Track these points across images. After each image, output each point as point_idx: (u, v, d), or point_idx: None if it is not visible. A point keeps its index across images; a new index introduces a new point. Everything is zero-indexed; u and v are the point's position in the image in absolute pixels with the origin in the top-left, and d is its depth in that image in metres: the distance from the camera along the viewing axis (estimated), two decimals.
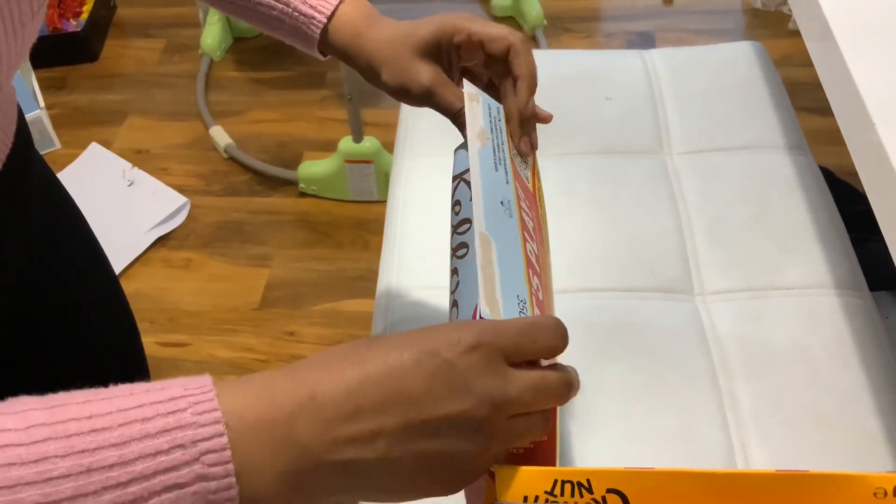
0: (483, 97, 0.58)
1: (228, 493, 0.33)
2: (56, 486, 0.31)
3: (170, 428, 0.33)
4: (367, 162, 1.60)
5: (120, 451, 0.32)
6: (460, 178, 0.56)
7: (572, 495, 0.38)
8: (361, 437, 0.36)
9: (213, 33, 1.95)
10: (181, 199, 1.70)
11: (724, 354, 0.79)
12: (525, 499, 0.38)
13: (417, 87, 0.57)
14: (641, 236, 0.89)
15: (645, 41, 1.96)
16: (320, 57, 0.62)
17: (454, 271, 0.50)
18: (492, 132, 0.55)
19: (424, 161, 1.00)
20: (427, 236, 0.91)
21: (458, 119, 0.57)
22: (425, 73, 0.57)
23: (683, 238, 0.89)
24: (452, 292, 0.50)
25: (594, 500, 0.38)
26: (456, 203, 0.54)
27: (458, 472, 0.37)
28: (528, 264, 0.49)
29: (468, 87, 0.58)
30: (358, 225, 1.65)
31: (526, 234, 0.50)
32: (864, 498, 0.37)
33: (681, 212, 0.92)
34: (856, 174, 0.67)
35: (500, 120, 0.57)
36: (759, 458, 0.72)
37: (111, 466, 0.32)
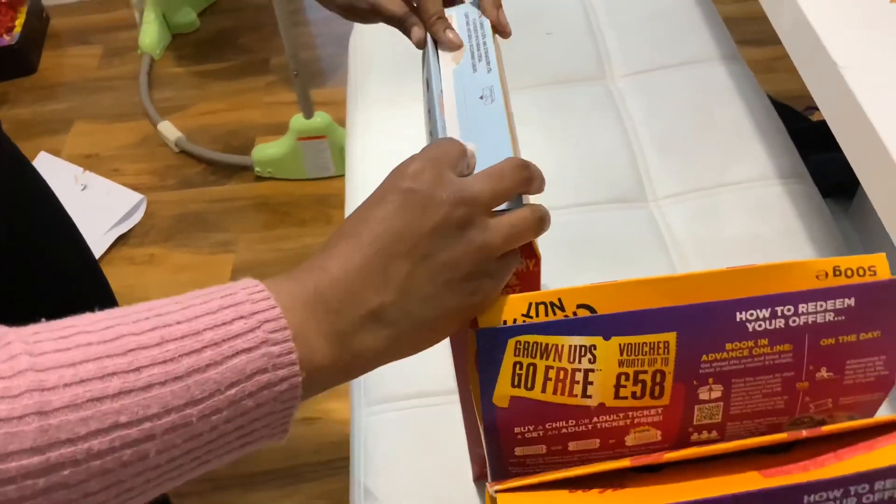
0: (457, 11, 0.60)
1: (290, 357, 0.36)
2: (136, 356, 0.33)
3: (227, 305, 0.36)
4: (321, 137, 1.61)
5: (188, 326, 0.35)
6: (426, 83, 0.58)
7: (546, 314, 0.41)
8: (376, 282, 0.40)
9: (150, 32, 1.95)
10: (137, 197, 1.70)
11: (683, 252, 0.83)
12: (504, 322, 0.40)
13: (363, 3, 0.60)
14: (594, 155, 0.93)
15: None
16: None
17: (430, 134, 0.53)
18: (469, 38, 0.57)
19: (378, 109, 1.02)
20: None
21: (403, 25, 0.60)
22: None
23: (633, 152, 0.93)
24: None
25: (566, 315, 0.41)
26: (429, 110, 0.57)
27: (471, 273, 0.40)
28: (513, 139, 0.51)
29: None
30: (318, 201, 1.66)
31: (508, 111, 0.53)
32: (807, 280, 0.40)
33: (628, 130, 0.95)
34: (793, 98, 0.71)
35: (479, 19, 0.58)
36: None
37: (182, 338, 0.34)
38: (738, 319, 0.40)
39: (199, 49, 2.02)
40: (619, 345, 0.40)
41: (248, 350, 0.35)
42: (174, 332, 0.34)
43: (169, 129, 1.79)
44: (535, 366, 0.40)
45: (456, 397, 0.75)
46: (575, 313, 0.41)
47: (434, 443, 0.71)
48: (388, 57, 1.08)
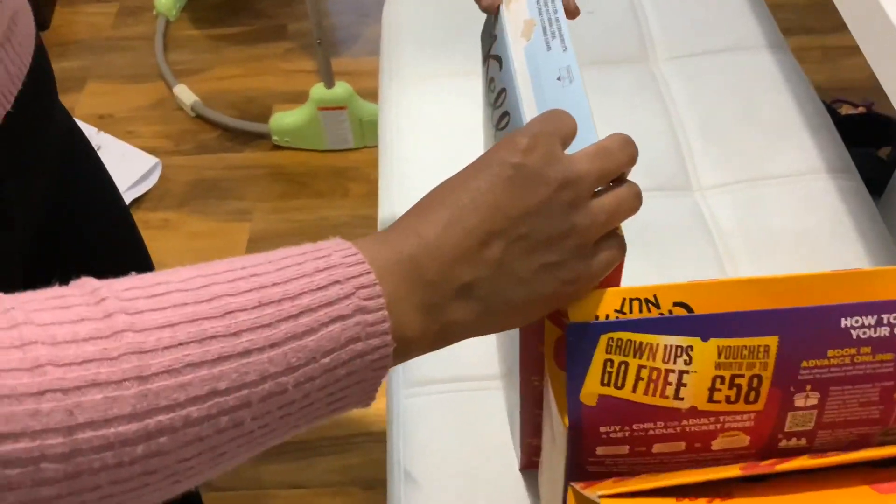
0: None
1: (383, 326, 0.35)
2: (234, 319, 0.32)
3: (322, 268, 0.35)
4: (341, 108, 1.59)
5: (284, 288, 0.34)
6: (489, 58, 0.56)
7: (640, 311, 0.39)
8: (470, 257, 0.38)
9: None
10: (152, 160, 1.67)
11: (728, 242, 0.81)
12: (596, 317, 0.39)
13: None
14: (636, 140, 0.90)
15: None
16: None
17: None
18: (541, 12, 0.54)
19: (414, 86, 1.00)
20: (428, 158, 0.91)
21: None
22: None
23: (677, 138, 0.91)
24: None
25: (661, 313, 0.39)
26: (490, 80, 0.55)
27: (569, 260, 0.39)
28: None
29: None
30: (336, 173, 1.64)
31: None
32: None
33: (671, 114, 0.93)
34: (819, 91, 0.69)
35: None
36: None
37: (280, 301, 0.33)
38: (842, 325, 0.38)
39: (216, 12, 1.98)
40: (718, 347, 0.38)
41: (344, 318, 0.34)
42: (271, 294, 0.33)
43: (185, 93, 1.76)
44: (626, 364, 0.39)
45: (496, 382, 0.74)
46: (671, 311, 0.39)
47: (475, 428, 0.70)
48: (421, 29, 1.06)
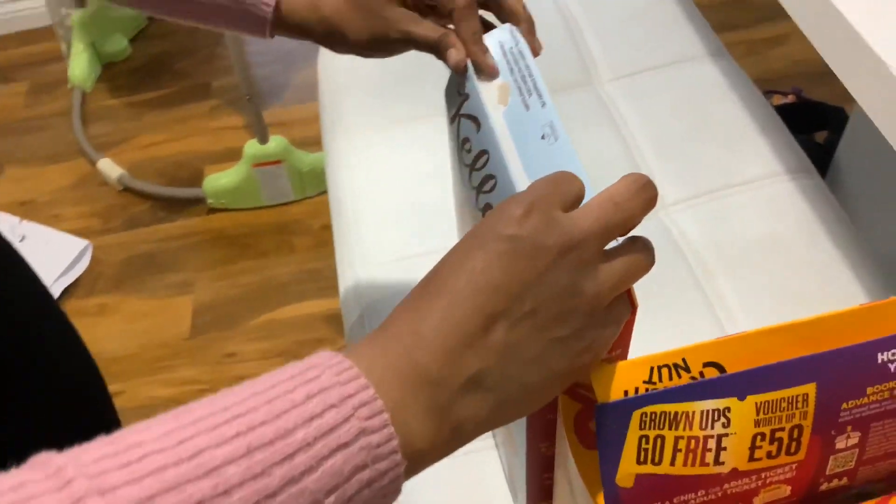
0: (490, 39, 0.54)
1: (391, 445, 0.32)
2: (221, 476, 0.28)
3: (314, 393, 0.31)
4: (277, 162, 1.54)
5: (274, 426, 0.30)
6: (459, 116, 0.52)
7: (670, 378, 0.36)
8: (474, 345, 0.35)
9: (79, 63, 1.83)
10: (81, 243, 1.59)
11: (701, 258, 0.79)
12: (626, 393, 0.35)
13: (392, 33, 0.54)
14: (594, 164, 0.87)
15: None
16: (268, 38, 0.58)
17: (486, 207, 0.48)
18: (511, 72, 0.51)
19: (360, 137, 0.96)
20: (385, 210, 0.87)
21: (439, 49, 0.53)
22: (395, 16, 0.54)
23: (634, 159, 0.89)
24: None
25: (692, 377, 0.36)
26: (464, 141, 0.51)
27: (581, 329, 0.36)
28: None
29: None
30: (279, 229, 1.58)
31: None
32: None
33: (624, 135, 0.91)
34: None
35: (516, 46, 0.52)
36: None
37: (272, 442, 0.30)
38: (879, 361, 0.36)
39: (133, 78, 1.91)
40: (756, 404, 0.35)
41: (345, 445, 0.31)
42: (261, 436, 0.30)
43: (109, 167, 1.69)
44: (662, 438, 0.35)
45: (490, 441, 0.70)
46: (702, 373, 0.36)
47: (474, 495, 0.66)
48: (360, 76, 1.02)
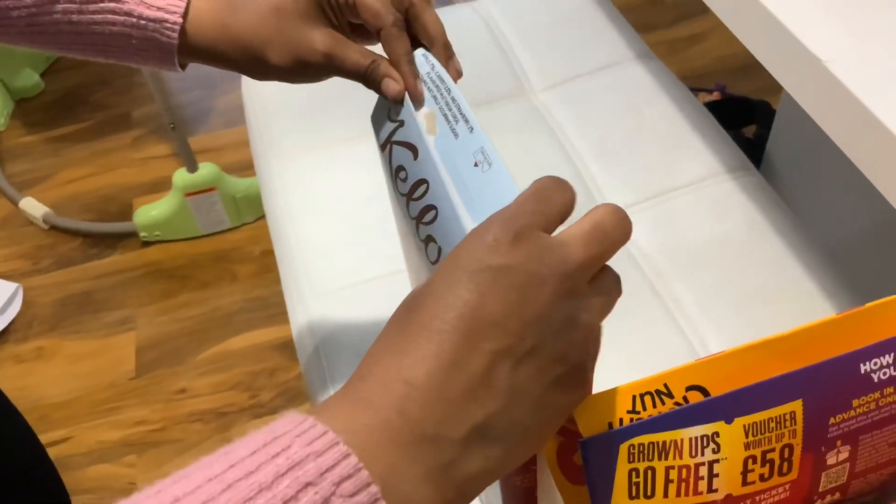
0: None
1: None
2: None
3: (284, 471, 0.27)
4: (210, 190, 1.49)
5: None
6: (391, 143, 0.51)
7: (654, 405, 0.35)
8: (476, 390, 0.31)
9: None
10: (11, 287, 1.52)
11: (653, 263, 0.80)
12: (610, 425, 0.35)
13: (315, 57, 0.50)
14: (536, 174, 0.88)
15: (441, 2, 1.96)
16: (179, 71, 0.53)
17: (429, 239, 0.46)
18: (436, 99, 0.49)
19: (294, 161, 0.93)
20: (329, 235, 0.85)
21: (369, 79, 0.50)
22: (318, 39, 0.50)
23: (575, 166, 0.89)
24: (435, 262, 0.46)
25: (676, 403, 0.35)
26: (398, 170, 0.50)
27: (580, 364, 0.33)
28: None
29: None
30: (218, 258, 1.54)
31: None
32: None
33: (563, 143, 0.91)
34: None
35: (433, 71, 0.50)
36: (719, 348, 0.72)
37: None
38: (862, 371, 0.36)
39: (49, 112, 1.83)
40: (744, 426, 0.35)
41: None
42: None
43: (32, 205, 1.61)
44: (653, 469, 0.35)
45: None
46: (685, 398, 0.35)
47: None
48: (286, 99, 1.00)
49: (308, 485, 0.27)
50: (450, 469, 0.31)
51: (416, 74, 0.49)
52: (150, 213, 1.54)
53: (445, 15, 1.09)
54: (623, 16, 1.07)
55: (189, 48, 0.51)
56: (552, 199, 0.35)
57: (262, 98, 1.02)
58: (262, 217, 1.58)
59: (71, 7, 0.48)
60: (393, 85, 0.48)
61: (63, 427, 1.34)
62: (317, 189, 0.90)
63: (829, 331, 0.37)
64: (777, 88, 0.68)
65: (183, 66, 0.53)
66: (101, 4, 0.48)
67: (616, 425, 0.35)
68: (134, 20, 0.49)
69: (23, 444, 0.77)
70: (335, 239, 0.85)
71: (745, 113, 1.52)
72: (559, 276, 0.32)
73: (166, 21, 0.49)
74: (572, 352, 0.33)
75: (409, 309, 0.33)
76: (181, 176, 1.48)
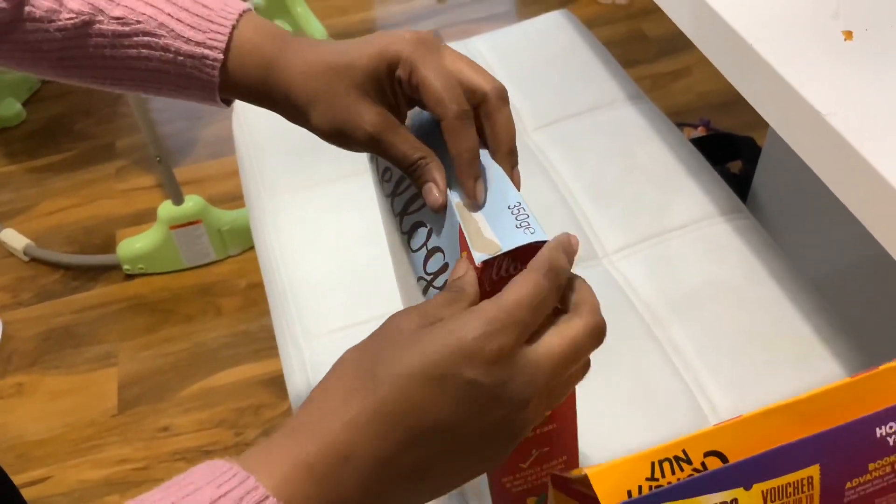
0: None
1: None
2: None
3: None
4: (195, 223, 1.48)
5: None
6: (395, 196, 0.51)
7: (672, 472, 0.35)
8: (406, 475, 0.35)
9: None
10: None
11: (649, 305, 0.80)
12: (629, 493, 0.34)
13: (360, 134, 0.45)
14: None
15: None
16: (223, 107, 0.50)
17: (416, 225, 0.46)
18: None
19: (286, 199, 0.93)
20: (321, 275, 0.85)
21: (411, 175, 0.45)
22: (369, 116, 0.45)
23: (570, 208, 0.89)
24: (418, 250, 0.45)
25: (695, 469, 0.35)
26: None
27: (501, 449, 0.37)
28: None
29: None
30: (203, 291, 1.52)
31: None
32: None
33: (558, 184, 0.92)
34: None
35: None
36: (717, 392, 0.72)
37: None
38: (878, 436, 0.36)
39: (32, 142, 1.81)
40: (762, 492, 0.35)
41: None
42: None
43: (13, 237, 1.59)
44: None
45: None
46: (703, 464, 0.35)
47: None
48: (282, 135, 0.99)
49: None
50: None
51: (477, 176, 0.44)
52: (133, 245, 1.52)
53: None
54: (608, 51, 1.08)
55: (232, 86, 0.48)
56: (546, 306, 0.36)
57: (254, 135, 1.01)
58: (248, 250, 1.57)
59: (103, 41, 0.46)
60: (435, 195, 0.44)
61: (43, 466, 1.31)
62: (309, 228, 0.90)
63: (843, 394, 0.37)
64: (761, 124, 0.69)
65: (227, 102, 0.50)
66: (136, 38, 0.45)
67: (635, 493, 0.34)
68: (171, 55, 0.46)
69: None
70: (328, 279, 0.85)
71: (731, 148, 1.54)
72: (522, 400, 0.35)
73: (206, 57, 0.46)
74: (501, 448, 0.36)
75: (369, 373, 0.35)
76: (166, 208, 1.47)
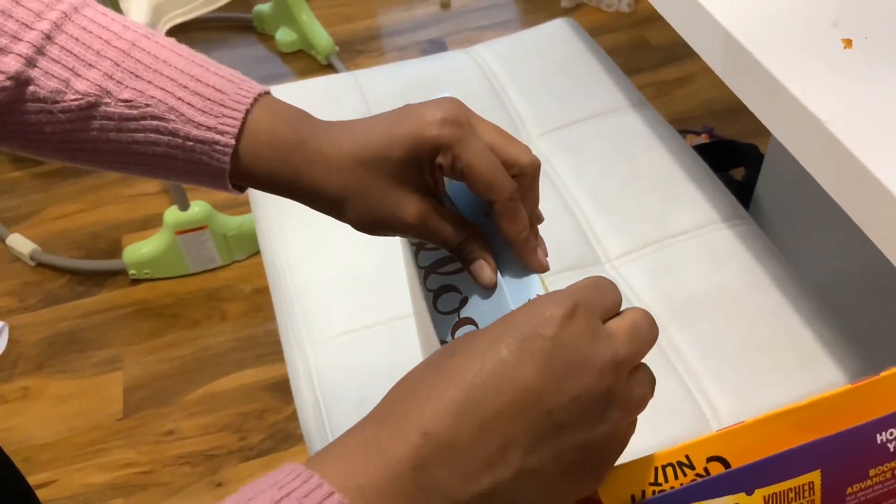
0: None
1: None
2: None
3: None
4: (201, 228, 1.49)
5: None
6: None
7: (675, 477, 0.35)
8: (493, 456, 0.31)
9: None
10: None
11: (652, 310, 0.80)
12: (633, 497, 0.35)
13: (401, 225, 0.44)
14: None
15: (437, 47, 1.99)
16: (236, 193, 0.47)
17: (443, 289, 0.46)
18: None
19: (292, 205, 0.93)
20: (326, 281, 0.85)
21: (461, 253, 0.44)
22: (409, 207, 0.43)
23: (574, 214, 0.90)
24: (449, 312, 0.45)
25: (697, 474, 0.36)
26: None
27: (600, 458, 0.33)
28: None
29: None
30: (208, 296, 1.53)
31: None
32: None
33: (561, 190, 0.92)
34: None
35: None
36: (719, 398, 0.73)
37: None
38: (878, 441, 0.36)
39: None
40: (764, 497, 0.35)
41: None
42: None
43: (20, 242, 1.60)
44: None
45: None
46: (706, 469, 0.36)
47: None
48: None
49: None
50: None
51: (534, 249, 0.44)
52: (139, 250, 1.53)
53: (442, 61, 1.10)
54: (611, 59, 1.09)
55: (245, 173, 0.44)
56: (608, 293, 0.35)
57: None
58: (253, 255, 1.58)
59: (109, 124, 0.43)
60: (487, 273, 0.43)
61: (48, 469, 1.31)
62: (314, 235, 0.90)
63: (844, 401, 0.37)
64: (763, 132, 0.69)
65: (241, 189, 0.46)
66: (143, 122, 0.43)
67: (639, 497, 0.35)
68: (180, 140, 0.43)
69: (8, 486, 0.75)
70: (333, 285, 0.85)
71: (734, 155, 1.55)
72: (606, 363, 0.32)
73: (216, 143, 0.43)
74: (596, 444, 0.33)
75: (446, 354, 0.33)
76: (172, 214, 1.48)
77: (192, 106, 0.43)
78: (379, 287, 0.83)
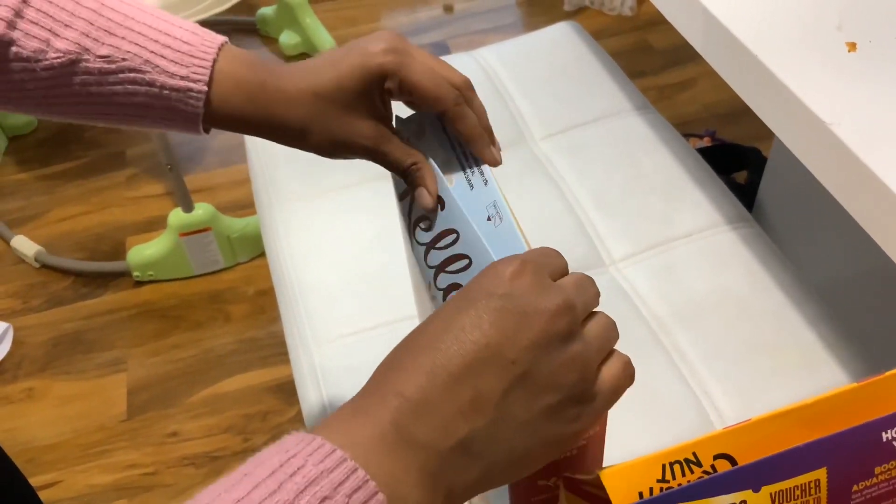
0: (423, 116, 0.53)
1: None
2: None
3: (303, 488, 0.31)
4: (205, 230, 1.49)
5: None
6: (411, 194, 0.52)
7: (683, 474, 0.36)
8: (466, 408, 0.34)
9: None
10: (1, 326, 1.50)
11: (655, 313, 0.81)
12: (640, 494, 0.35)
13: (356, 148, 0.50)
14: (539, 224, 0.89)
15: (441, 50, 2.00)
16: (203, 134, 0.52)
17: (452, 287, 0.46)
18: (454, 148, 0.51)
19: (297, 206, 0.94)
20: (331, 281, 0.86)
21: (408, 176, 0.50)
22: (362, 131, 0.49)
23: (577, 216, 0.90)
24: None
25: (704, 472, 0.36)
26: (420, 219, 0.50)
27: (576, 399, 0.36)
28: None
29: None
30: (212, 298, 1.53)
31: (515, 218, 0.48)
32: None
33: (565, 192, 0.93)
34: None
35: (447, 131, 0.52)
36: (723, 399, 0.73)
37: None
38: (884, 439, 0.36)
39: (43, 150, 1.83)
40: (770, 494, 0.35)
41: None
42: None
43: (25, 244, 1.61)
44: None
45: None
46: (713, 466, 0.36)
47: None
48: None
49: (325, 499, 0.31)
50: (437, 476, 0.34)
51: (488, 144, 0.50)
52: (143, 252, 1.53)
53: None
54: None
55: (214, 117, 0.49)
56: (555, 258, 0.39)
57: (266, 145, 1.02)
58: (256, 257, 1.58)
59: (89, 79, 0.47)
60: (426, 198, 0.49)
61: (52, 470, 1.32)
62: (319, 235, 0.91)
63: (850, 399, 0.37)
64: (766, 135, 0.70)
65: (206, 130, 0.52)
66: (122, 75, 0.47)
67: (646, 494, 0.35)
68: (156, 90, 0.48)
69: (11, 488, 0.76)
70: (337, 285, 0.86)
71: (737, 159, 1.55)
72: (556, 307, 0.35)
73: (191, 90, 0.48)
74: (565, 381, 0.35)
75: (416, 332, 0.37)
76: (176, 216, 1.48)
77: (165, 58, 0.47)
78: (383, 288, 0.84)
